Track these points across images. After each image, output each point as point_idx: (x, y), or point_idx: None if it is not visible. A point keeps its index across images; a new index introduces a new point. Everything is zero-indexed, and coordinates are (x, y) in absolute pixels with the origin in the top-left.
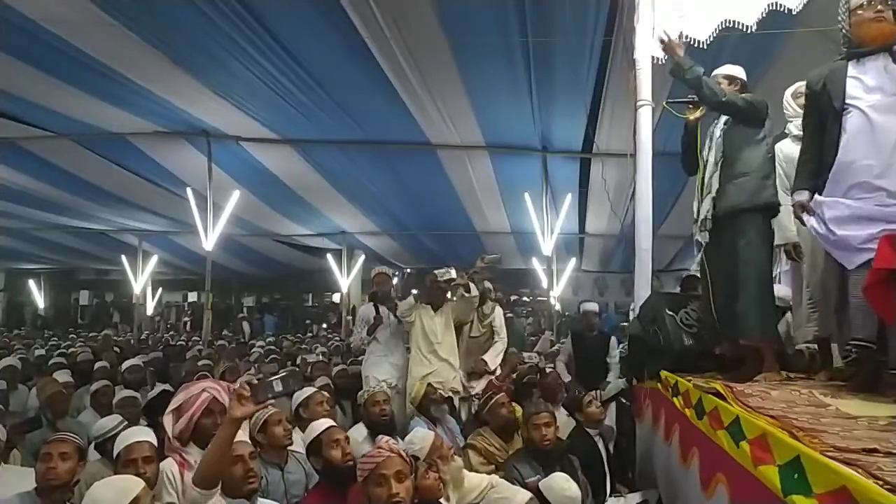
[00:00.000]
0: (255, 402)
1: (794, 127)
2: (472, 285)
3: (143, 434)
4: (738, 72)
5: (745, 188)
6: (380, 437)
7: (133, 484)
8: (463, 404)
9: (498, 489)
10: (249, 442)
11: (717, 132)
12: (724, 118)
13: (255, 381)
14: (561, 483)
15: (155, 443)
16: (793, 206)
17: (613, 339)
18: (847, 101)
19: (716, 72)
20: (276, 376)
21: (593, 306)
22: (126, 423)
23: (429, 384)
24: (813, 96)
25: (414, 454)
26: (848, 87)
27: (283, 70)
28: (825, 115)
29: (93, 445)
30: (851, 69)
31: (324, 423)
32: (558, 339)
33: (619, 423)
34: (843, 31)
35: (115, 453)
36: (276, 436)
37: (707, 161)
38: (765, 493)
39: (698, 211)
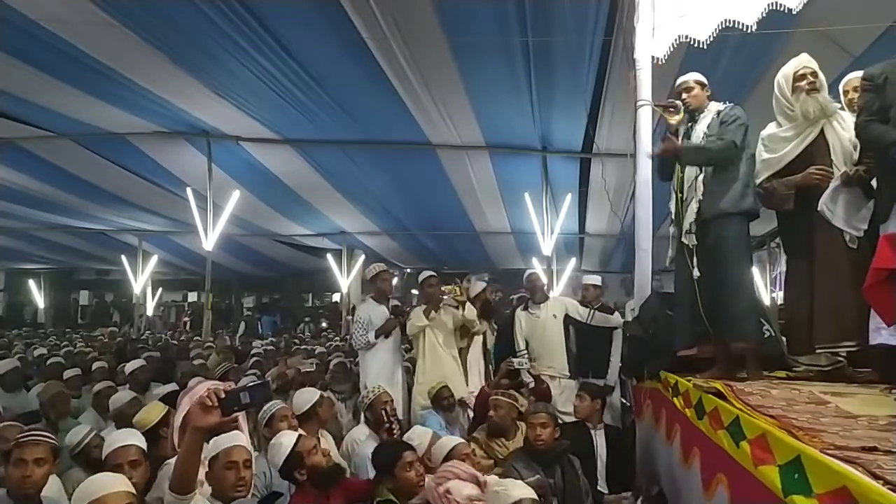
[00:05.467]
0: (222, 414)
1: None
2: (468, 305)
3: (130, 437)
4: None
5: (729, 193)
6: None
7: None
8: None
9: (499, 482)
10: (248, 449)
11: (698, 138)
12: (703, 125)
13: (223, 392)
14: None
15: (143, 446)
16: None
17: (617, 316)
18: None
19: (686, 77)
20: (245, 387)
21: (595, 279)
22: (94, 432)
23: (444, 387)
24: (874, 89)
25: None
26: None
27: (283, 70)
28: (889, 106)
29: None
30: None
31: (290, 436)
32: None
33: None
34: None
35: (102, 456)
36: (282, 431)
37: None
38: (765, 494)
39: (678, 213)
